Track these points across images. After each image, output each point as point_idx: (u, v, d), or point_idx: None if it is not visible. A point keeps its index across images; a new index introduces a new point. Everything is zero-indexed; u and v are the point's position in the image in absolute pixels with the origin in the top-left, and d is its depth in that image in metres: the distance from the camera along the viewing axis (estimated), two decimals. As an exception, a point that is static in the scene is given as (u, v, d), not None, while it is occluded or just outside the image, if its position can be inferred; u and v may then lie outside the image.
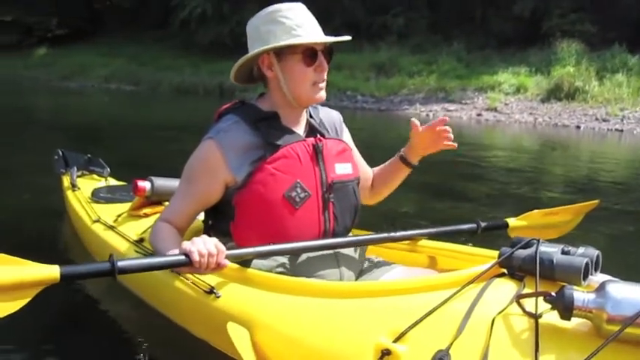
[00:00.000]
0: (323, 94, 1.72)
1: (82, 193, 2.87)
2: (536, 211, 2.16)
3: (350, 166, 1.81)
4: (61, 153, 3.31)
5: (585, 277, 1.26)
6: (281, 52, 1.67)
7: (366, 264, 1.84)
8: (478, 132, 11.49)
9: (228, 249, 1.57)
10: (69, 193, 2.98)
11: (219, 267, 1.47)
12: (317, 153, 1.70)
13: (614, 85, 12.71)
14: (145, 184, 2.41)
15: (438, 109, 13.54)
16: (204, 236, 1.50)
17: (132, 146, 7.09)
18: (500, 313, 1.23)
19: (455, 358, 1.19)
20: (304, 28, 1.65)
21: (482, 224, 1.95)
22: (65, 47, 23.58)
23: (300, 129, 1.79)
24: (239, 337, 1.46)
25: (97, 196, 2.79)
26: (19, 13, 23.63)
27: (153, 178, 2.43)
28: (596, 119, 11.82)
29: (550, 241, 1.37)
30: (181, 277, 1.73)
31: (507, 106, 13.16)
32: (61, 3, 24.42)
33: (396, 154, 2.01)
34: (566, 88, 12.93)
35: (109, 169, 3.24)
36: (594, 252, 1.32)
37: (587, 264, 1.26)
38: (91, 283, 2.30)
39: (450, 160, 6.22)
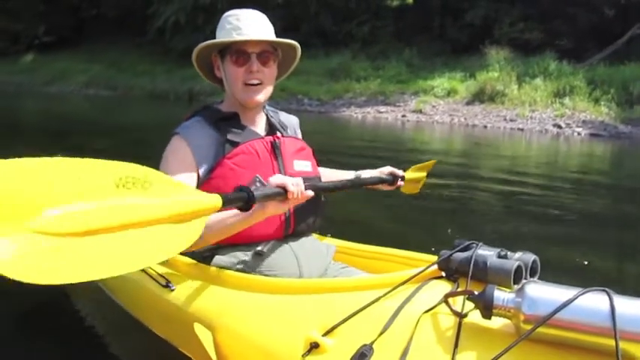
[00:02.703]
0: (257, 96, 1.85)
1: None
2: (413, 167, 2.59)
3: (309, 164, 1.97)
4: None
5: (518, 280, 1.34)
6: (223, 54, 1.84)
7: (329, 269, 1.94)
8: (399, 131, 13.20)
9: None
10: None
11: (304, 196, 1.63)
12: (275, 149, 1.86)
13: (532, 88, 14.30)
14: None
15: (372, 111, 15.30)
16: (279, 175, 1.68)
17: (118, 152, 7.57)
18: (427, 311, 1.33)
19: (377, 352, 1.29)
20: (241, 30, 1.79)
21: (399, 174, 2.28)
22: (51, 54, 25.89)
23: (260, 128, 1.95)
24: (187, 330, 1.64)
25: None
26: (7, 21, 26.04)
27: None
28: (505, 120, 13.51)
29: (489, 245, 1.45)
30: (141, 270, 1.88)
31: (434, 108, 14.89)
32: (49, 12, 26.77)
33: (350, 174, 2.29)
34: (488, 92, 14.55)
35: None
36: (530, 257, 1.40)
37: (518, 267, 1.34)
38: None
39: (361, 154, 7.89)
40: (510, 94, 14.39)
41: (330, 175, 2.27)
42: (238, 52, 1.81)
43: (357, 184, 2.15)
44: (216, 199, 1.37)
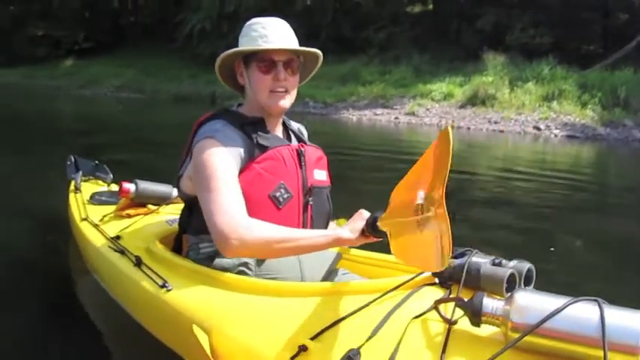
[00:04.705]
0: (283, 102, 1.93)
1: (82, 195, 3.21)
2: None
3: (325, 173, 2.06)
4: (73, 159, 3.60)
5: (511, 288, 1.38)
6: (247, 61, 1.92)
7: (331, 275, 2.01)
8: (386, 131, 14.28)
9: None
10: (71, 196, 3.31)
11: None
12: (300, 157, 1.95)
13: (523, 92, 15.04)
14: (129, 186, 2.69)
15: (368, 114, 16.38)
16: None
17: (135, 152, 8.07)
18: (417, 317, 1.39)
19: (364, 356, 1.35)
20: (267, 38, 1.88)
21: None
22: (89, 59, 28.12)
23: (280, 134, 2.05)
24: (181, 330, 1.74)
25: (94, 199, 3.12)
26: (49, 28, 28.48)
27: (137, 180, 2.71)
28: (489, 122, 14.33)
29: (485, 252, 1.51)
30: (140, 271, 1.99)
31: (427, 111, 15.82)
32: (90, 19, 29.14)
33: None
34: (481, 95, 15.36)
35: (112, 176, 3.57)
36: (525, 265, 1.45)
37: (511, 275, 1.39)
38: (59, 274, 2.96)
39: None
40: (501, 98, 15.16)
41: None
42: (265, 60, 1.90)
43: None
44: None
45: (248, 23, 1.97)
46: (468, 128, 14.28)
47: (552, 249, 3.91)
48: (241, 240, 1.65)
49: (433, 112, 15.78)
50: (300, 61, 2.00)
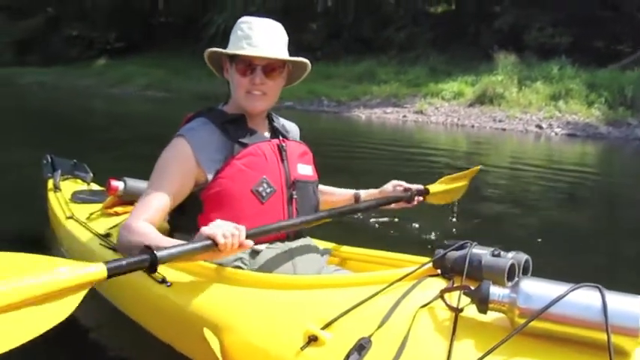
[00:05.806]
0: (259, 104, 2.01)
1: (63, 194, 3.18)
2: (446, 177, 2.78)
3: (310, 168, 2.16)
4: (50, 158, 3.61)
5: (511, 278, 1.46)
6: (232, 59, 2.00)
7: (323, 271, 2.06)
8: (392, 129, 14.71)
9: None
10: (50, 194, 3.27)
11: (242, 246, 1.63)
12: (281, 152, 2.02)
13: (532, 91, 15.27)
14: (118, 184, 2.73)
15: (378, 112, 16.80)
16: (219, 220, 1.65)
17: (134, 148, 8.12)
18: (424, 306, 1.45)
19: (376, 344, 1.40)
20: (251, 40, 1.93)
21: (414, 191, 2.39)
22: (119, 59, 29.24)
23: (264, 131, 2.13)
24: (185, 326, 1.76)
25: (76, 197, 3.13)
26: (83, 29, 29.76)
27: (126, 178, 2.76)
28: (493, 120, 14.60)
29: (482, 244, 1.58)
30: None
31: (436, 110, 16.15)
32: (122, 19, 30.29)
33: (350, 192, 2.43)
34: (490, 94, 15.63)
35: (92, 175, 3.58)
36: (523, 256, 1.54)
37: (512, 265, 1.47)
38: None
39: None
40: (509, 97, 15.41)
41: (330, 192, 2.44)
42: (244, 62, 1.97)
43: (362, 208, 2.32)
44: (100, 270, 1.36)
45: (239, 21, 2.05)
46: (472, 126, 14.63)
47: (539, 240, 4.14)
48: (121, 239, 1.81)
49: (441, 111, 16.14)
50: (287, 67, 2.06)
